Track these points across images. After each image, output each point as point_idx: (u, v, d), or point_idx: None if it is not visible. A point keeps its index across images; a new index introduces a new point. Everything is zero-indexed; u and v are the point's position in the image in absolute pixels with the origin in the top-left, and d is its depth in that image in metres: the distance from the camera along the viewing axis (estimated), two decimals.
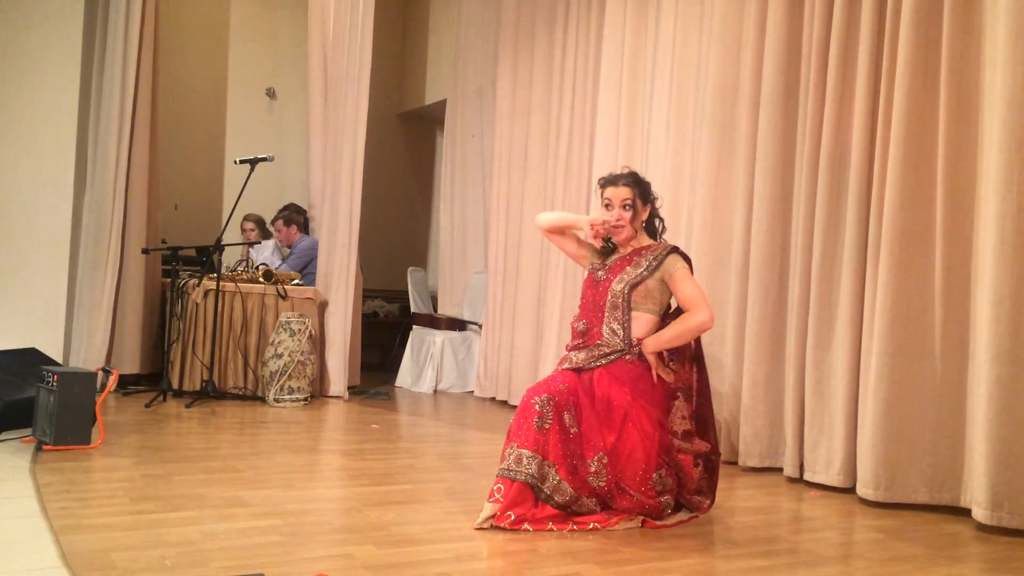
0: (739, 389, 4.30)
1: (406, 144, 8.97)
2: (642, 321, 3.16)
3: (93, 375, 3.86)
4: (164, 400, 5.20)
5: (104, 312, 5.45)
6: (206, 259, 5.93)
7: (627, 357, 3.11)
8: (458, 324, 6.91)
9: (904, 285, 3.59)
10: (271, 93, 7.97)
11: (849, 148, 3.86)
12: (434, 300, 7.64)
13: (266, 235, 6.78)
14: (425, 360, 6.76)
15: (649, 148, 5.03)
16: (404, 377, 6.85)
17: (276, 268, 6.23)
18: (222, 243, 5.69)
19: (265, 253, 6.70)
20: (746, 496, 3.76)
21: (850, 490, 3.77)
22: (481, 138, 7.09)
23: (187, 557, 2.36)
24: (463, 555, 2.57)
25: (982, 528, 3.26)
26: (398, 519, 2.92)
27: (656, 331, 3.17)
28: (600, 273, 3.27)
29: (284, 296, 5.79)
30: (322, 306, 6.01)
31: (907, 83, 3.60)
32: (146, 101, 5.65)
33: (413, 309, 7.24)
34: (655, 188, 3.40)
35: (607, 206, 3.26)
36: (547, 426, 2.95)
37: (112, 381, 4.33)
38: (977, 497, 3.27)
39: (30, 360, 4.47)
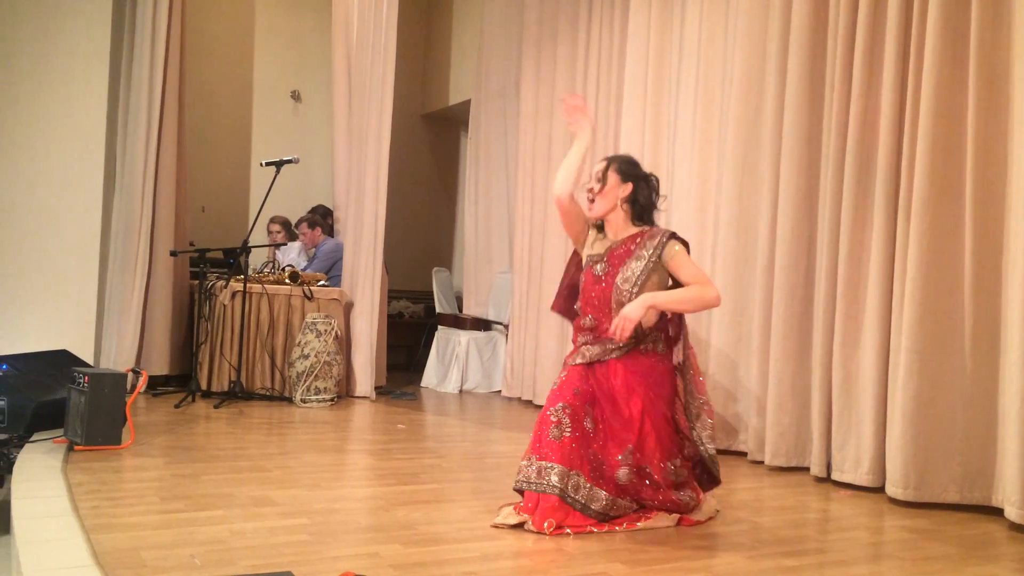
0: (765, 388, 4.27)
1: (430, 145, 9.00)
2: (650, 314, 3.09)
3: (123, 376, 3.90)
4: (193, 401, 5.25)
5: (133, 314, 5.51)
6: (233, 261, 5.99)
7: (640, 347, 3.08)
8: (483, 324, 6.92)
9: (933, 281, 3.55)
10: (296, 96, 8.03)
11: (876, 143, 3.81)
12: (459, 300, 7.65)
13: (292, 237, 6.83)
14: (450, 360, 6.77)
15: (675, 147, 5.01)
16: (429, 377, 6.87)
17: (302, 270, 6.27)
18: (249, 245, 5.73)
19: (291, 255, 6.75)
20: (773, 496, 3.73)
21: (879, 489, 3.73)
22: (505, 138, 7.09)
23: (216, 555, 2.38)
24: (489, 554, 2.57)
25: (1015, 527, 3.21)
26: (424, 518, 2.93)
27: (659, 319, 3.13)
28: (599, 267, 3.19)
29: (310, 297, 5.82)
30: (348, 307, 6.04)
31: (935, 76, 3.55)
32: (173, 105, 5.72)
33: (438, 309, 7.27)
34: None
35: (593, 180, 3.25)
36: (566, 434, 2.92)
37: (142, 382, 4.38)
38: (1010, 496, 3.22)
39: (61, 362, 4.53)
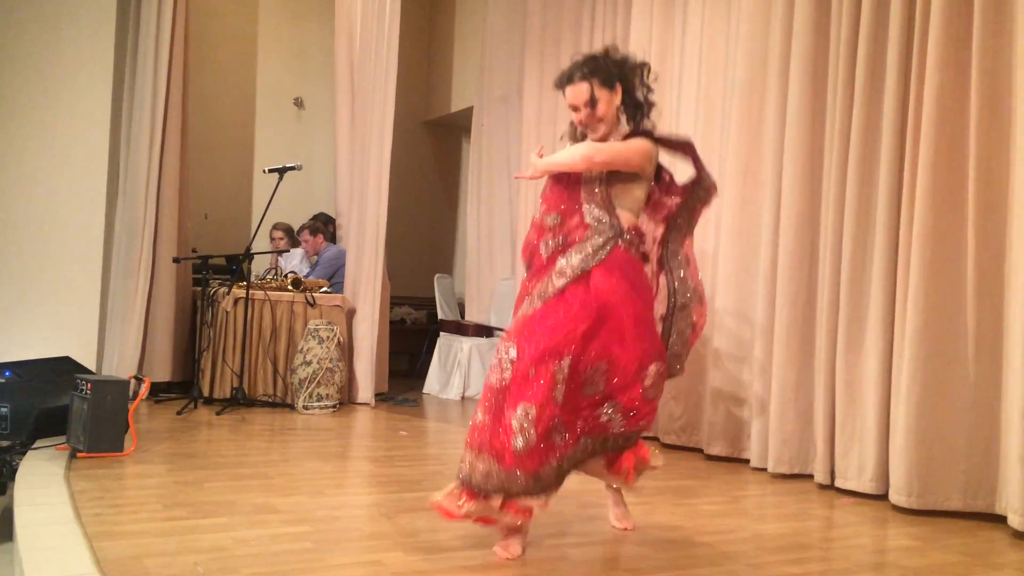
0: (768, 394, 4.26)
1: (432, 151, 9.00)
2: (624, 216, 2.78)
3: (125, 383, 3.90)
4: (195, 407, 5.25)
5: (136, 321, 5.52)
6: (236, 268, 5.99)
7: (620, 244, 2.74)
8: (485, 331, 6.92)
9: (936, 287, 3.54)
10: (299, 103, 8.04)
11: (878, 150, 3.82)
12: (461, 307, 7.65)
13: (295, 243, 6.84)
14: (452, 367, 6.77)
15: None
16: (431, 384, 6.87)
17: (304, 276, 6.27)
18: (251, 252, 5.74)
19: (294, 261, 6.75)
20: (776, 503, 3.72)
21: (882, 497, 3.72)
22: (507, 145, 7.09)
23: (219, 563, 2.38)
24: (492, 562, 2.56)
25: (1018, 535, 3.21)
26: (427, 526, 2.92)
27: (633, 229, 2.80)
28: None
29: (312, 304, 5.83)
30: (350, 313, 6.04)
31: (937, 83, 3.55)
32: (176, 112, 5.73)
33: (440, 316, 7.26)
34: None
35: (573, 109, 2.83)
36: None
37: (144, 389, 4.39)
38: (1013, 503, 3.21)
39: (64, 368, 4.53)
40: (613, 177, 2.78)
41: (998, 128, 3.46)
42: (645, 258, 2.95)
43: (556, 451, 2.59)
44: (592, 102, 2.78)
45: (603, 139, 2.84)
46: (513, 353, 2.61)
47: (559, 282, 2.69)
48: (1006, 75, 3.44)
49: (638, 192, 2.83)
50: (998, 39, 3.46)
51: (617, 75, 2.82)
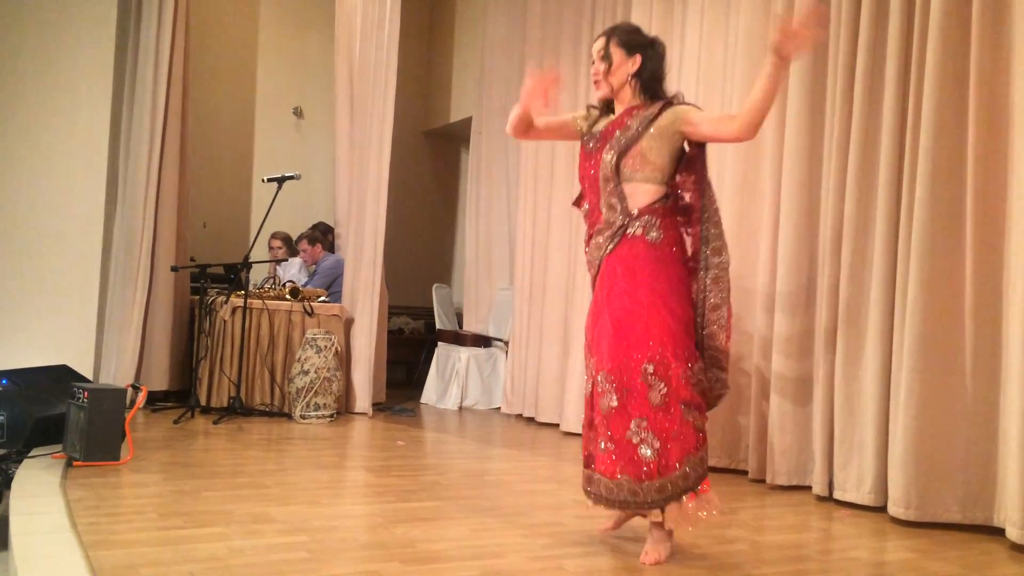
0: (767, 406, 4.26)
1: (431, 161, 9.02)
2: (640, 191, 2.78)
3: (123, 391, 3.89)
4: (192, 416, 5.24)
5: (134, 329, 5.51)
6: (234, 276, 5.99)
7: (629, 232, 2.77)
8: (483, 341, 6.92)
9: (934, 301, 3.54)
10: (298, 112, 8.06)
11: (877, 163, 3.82)
12: (459, 317, 7.65)
13: (293, 252, 6.84)
14: (450, 377, 6.77)
15: None
16: (429, 394, 6.86)
17: (302, 286, 6.27)
18: (250, 261, 5.74)
19: (292, 270, 6.76)
20: (775, 515, 3.71)
21: (881, 509, 3.71)
22: (506, 156, 7.11)
23: (215, 573, 2.37)
24: (489, 572, 2.55)
25: (1016, 547, 3.20)
26: (424, 536, 2.92)
27: (658, 199, 2.79)
28: (591, 144, 2.90)
29: (310, 313, 5.82)
30: (348, 323, 6.04)
31: (935, 96, 3.56)
32: (176, 121, 5.74)
33: (438, 326, 7.27)
34: None
35: (592, 61, 2.93)
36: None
37: (141, 398, 4.38)
38: (1011, 516, 3.20)
39: (61, 377, 4.53)
40: (626, 159, 2.78)
41: (996, 140, 3.46)
42: (685, 212, 2.89)
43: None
44: (607, 57, 2.87)
45: (604, 97, 2.94)
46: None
47: (592, 271, 2.91)
48: (1004, 88, 3.45)
49: (662, 159, 2.80)
50: (996, 52, 3.48)
51: (638, 46, 2.88)
